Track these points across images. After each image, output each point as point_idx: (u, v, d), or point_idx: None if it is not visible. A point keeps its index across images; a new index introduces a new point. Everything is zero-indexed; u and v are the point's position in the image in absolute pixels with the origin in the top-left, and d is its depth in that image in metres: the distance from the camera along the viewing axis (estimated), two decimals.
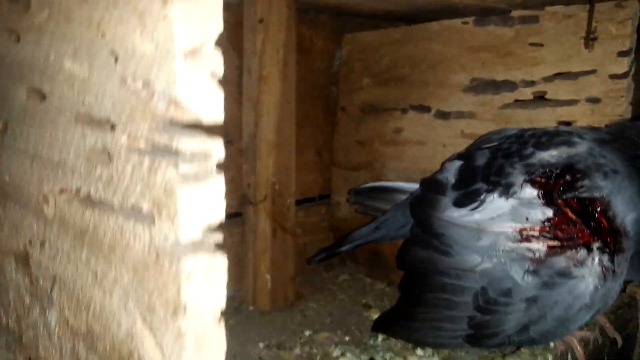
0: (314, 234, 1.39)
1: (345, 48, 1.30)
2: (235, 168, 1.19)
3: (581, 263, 0.65)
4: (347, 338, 0.99)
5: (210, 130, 0.35)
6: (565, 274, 0.66)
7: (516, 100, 0.98)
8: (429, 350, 0.91)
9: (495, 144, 0.81)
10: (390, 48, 1.19)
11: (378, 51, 1.22)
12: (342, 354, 0.92)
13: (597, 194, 0.67)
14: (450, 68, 1.08)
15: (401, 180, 1.20)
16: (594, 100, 0.88)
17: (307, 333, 1.01)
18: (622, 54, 0.85)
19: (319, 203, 1.40)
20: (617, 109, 0.86)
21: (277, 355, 0.93)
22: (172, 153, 0.34)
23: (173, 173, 0.34)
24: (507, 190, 0.73)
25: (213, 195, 0.35)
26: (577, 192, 0.68)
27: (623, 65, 0.85)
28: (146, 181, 0.37)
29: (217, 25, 0.35)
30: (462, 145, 1.07)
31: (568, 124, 0.90)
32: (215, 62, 0.35)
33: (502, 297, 0.71)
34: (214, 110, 0.35)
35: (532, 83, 0.96)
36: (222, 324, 0.36)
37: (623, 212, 0.66)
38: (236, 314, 1.09)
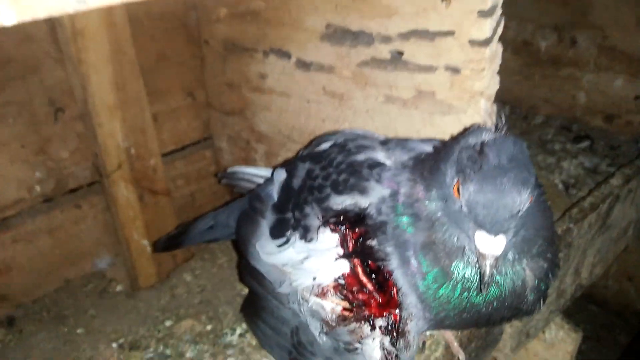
0: (201, 180, 1.27)
1: None
2: (77, 137, 1.03)
3: (364, 340, 0.55)
4: (208, 327, 0.94)
5: None
6: (349, 350, 0.56)
7: (373, 59, 0.78)
8: None
9: (316, 156, 0.67)
10: None
11: None
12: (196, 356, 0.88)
13: (384, 262, 0.54)
14: (302, 7, 0.85)
15: (273, 133, 1.05)
16: (454, 70, 0.69)
17: (168, 324, 0.95)
18: (483, 14, 0.64)
19: (203, 146, 1.25)
20: (479, 84, 0.67)
21: None
22: None
23: None
24: (305, 234, 0.60)
25: None
26: (368, 252, 0.55)
27: (484, 30, 0.64)
28: None
29: None
30: (326, 103, 0.90)
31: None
32: None
33: (309, 345, 0.63)
34: None
35: (388, 39, 0.75)
36: None
37: (403, 285, 0.54)
38: (100, 298, 1.03)
